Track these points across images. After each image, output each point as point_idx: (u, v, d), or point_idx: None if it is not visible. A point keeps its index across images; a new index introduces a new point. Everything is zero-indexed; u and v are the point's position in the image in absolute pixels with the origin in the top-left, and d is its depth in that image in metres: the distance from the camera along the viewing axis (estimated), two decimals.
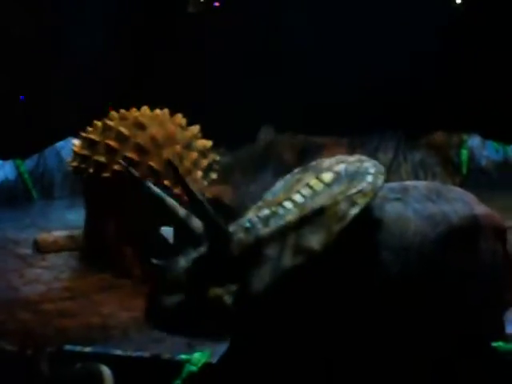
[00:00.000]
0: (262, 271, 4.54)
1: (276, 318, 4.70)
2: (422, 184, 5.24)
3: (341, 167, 4.81)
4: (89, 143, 9.56)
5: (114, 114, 9.74)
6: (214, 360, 5.86)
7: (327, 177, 4.76)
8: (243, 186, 12.14)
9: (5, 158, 13.93)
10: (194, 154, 9.34)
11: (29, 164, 14.39)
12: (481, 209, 5.08)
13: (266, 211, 4.74)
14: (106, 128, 9.55)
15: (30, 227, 11.76)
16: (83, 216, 9.85)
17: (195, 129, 9.68)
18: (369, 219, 4.67)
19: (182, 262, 4.70)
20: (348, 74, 13.68)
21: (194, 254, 4.70)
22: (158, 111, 9.68)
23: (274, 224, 4.63)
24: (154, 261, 4.73)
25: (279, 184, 5.07)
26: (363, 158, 4.97)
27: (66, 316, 7.42)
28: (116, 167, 8.85)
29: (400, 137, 14.47)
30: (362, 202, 4.53)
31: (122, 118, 9.56)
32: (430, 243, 4.71)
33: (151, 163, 8.97)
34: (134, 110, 9.72)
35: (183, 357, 5.92)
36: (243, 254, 4.60)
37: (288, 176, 5.11)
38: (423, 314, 4.69)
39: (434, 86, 14.11)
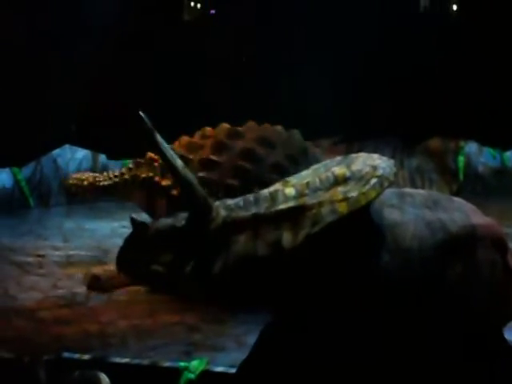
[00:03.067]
0: (227, 253, 4.54)
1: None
2: (418, 192, 5.23)
3: (357, 167, 4.74)
4: (205, 164, 8.38)
5: (208, 129, 8.72)
6: (212, 367, 5.87)
7: (340, 173, 4.72)
8: None
9: (1, 166, 13.91)
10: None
11: (25, 172, 14.37)
12: (479, 219, 5.03)
13: (266, 193, 4.77)
14: (221, 147, 8.52)
15: (26, 235, 11.77)
16: (80, 225, 9.55)
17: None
18: (367, 222, 4.66)
19: (159, 224, 4.70)
20: (344, 80, 13.71)
21: (174, 220, 4.71)
22: (267, 126, 8.83)
23: (259, 209, 4.63)
24: (134, 215, 4.74)
25: (318, 165, 5.04)
26: (378, 161, 4.87)
27: (64, 324, 7.39)
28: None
29: (397, 143, 14.46)
30: (342, 210, 4.49)
31: (235, 135, 8.62)
32: (428, 248, 4.70)
33: None
34: (225, 125, 8.74)
35: (181, 364, 5.92)
36: (218, 230, 4.59)
37: (330, 160, 5.07)
38: (421, 318, 4.68)
39: (432, 92, 14.14)
